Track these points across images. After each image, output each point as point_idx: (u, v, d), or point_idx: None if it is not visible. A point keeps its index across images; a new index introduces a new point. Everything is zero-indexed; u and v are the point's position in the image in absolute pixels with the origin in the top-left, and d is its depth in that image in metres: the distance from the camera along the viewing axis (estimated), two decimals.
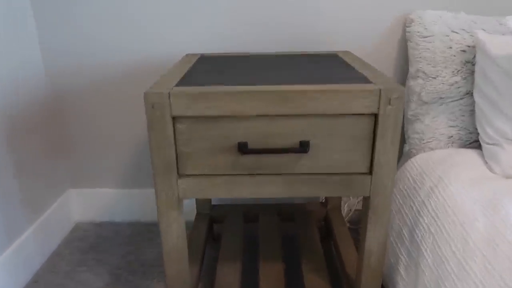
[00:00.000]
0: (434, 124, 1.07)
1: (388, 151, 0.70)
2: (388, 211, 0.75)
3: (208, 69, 0.86)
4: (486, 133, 0.96)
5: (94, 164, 1.31)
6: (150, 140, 0.70)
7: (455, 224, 0.77)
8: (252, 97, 0.67)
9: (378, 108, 0.67)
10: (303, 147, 0.69)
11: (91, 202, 1.35)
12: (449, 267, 0.72)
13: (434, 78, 1.05)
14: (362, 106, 0.67)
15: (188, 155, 0.72)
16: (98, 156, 1.30)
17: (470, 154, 0.99)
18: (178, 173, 0.73)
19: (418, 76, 1.08)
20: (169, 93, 0.67)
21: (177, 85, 0.72)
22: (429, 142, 1.07)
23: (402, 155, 1.15)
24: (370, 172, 0.72)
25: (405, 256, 0.85)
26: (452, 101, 1.06)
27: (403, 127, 1.20)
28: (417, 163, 1.02)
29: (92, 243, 1.25)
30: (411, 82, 1.10)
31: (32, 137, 1.15)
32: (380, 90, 0.66)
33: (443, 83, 1.05)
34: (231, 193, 0.73)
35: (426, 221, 0.84)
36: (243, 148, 0.69)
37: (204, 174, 0.73)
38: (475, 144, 1.05)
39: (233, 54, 1.04)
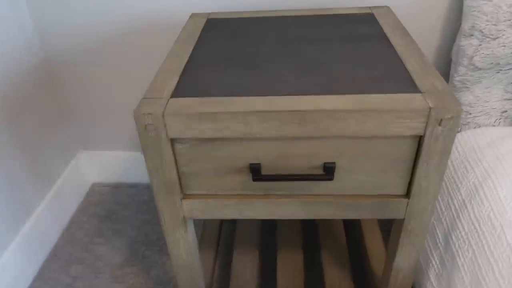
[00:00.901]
0: (486, 96, 0.90)
1: (432, 175, 0.57)
2: (424, 235, 0.65)
3: (213, 52, 0.70)
4: None
5: (104, 127, 1.22)
6: (146, 161, 0.59)
7: (501, 241, 0.67)
8: (263, 118, 0.54)
9: (425, 130, 0.53)
10: (327, 173, 0.57)
11: (105, 163, 1.30)
12: None
13: (494, 39, 0.85)
14: (404, 128, 0.53)
15: (191, 176, 0.62)
16: (107, 119, 1.20)
17: None
18: (182, 192, 0.63)
19: (472, 35, 0.88)
20: (163, 114, 0.54)
21: (174, 93, 0.58)
22: (477, 116, 0.91)
23: None
24: (407, 195, 0.61)
25: (437, 262, 0.77)
26: None
27: None
28: (460, 145, 0.88)
29: (109, 209, 1.23)
30: (462, 41, 0.90)
31: (33, 107, 1.05)
32: (429, 109, 0.52)
33: (504, 46, 0.85)
34: (242, 214, 0.64)
35: (466, 229, 0.73)
36: (255, 173, 0.58)
37: (211, 194, 0.63)
38: None
39: (244, 15, 0.86)
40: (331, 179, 0.56)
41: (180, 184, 0.62)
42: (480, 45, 0.87)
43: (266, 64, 0.65)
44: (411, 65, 0.62)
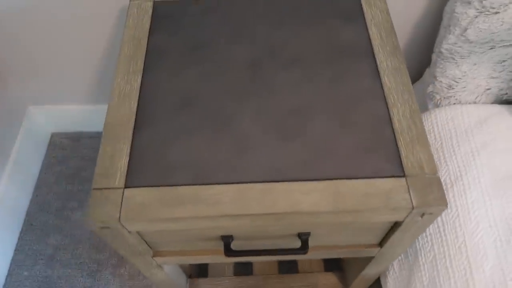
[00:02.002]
0: (473, 73, 0.82)
1: (407, 239, 0.57)
2: (394, 259, 0.68)
3: (167, 90, 0.57)
4: None
5: (51, 82, 1.07)
6: (107, 242, 0.55)
7: (461, 253, 0.71)
8: (235, 219, 0.48)
9: (404, 219, 0.50)
10: (302, 245, 0.55)
11: (60, 116, 1.19)
12: None
13: (495, 13, 0.73)
14: (383, 219, 0.50)
15: (160, 244, 0.59)
16: (52, 74, 1.05)
17: (505, 123, 0.80)
18: (152, 251, 0.61)
19: (469, 3, 0.75)
20: (119, 219, 0.48)
21: (128, 178, 0.50)
22: (459, 92, 0.85)
23: (423, 95, 0.93)
24: (380, 245, 0.61)
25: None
26: (505, 45, 0.77)
27: (430, 56, 0.91)
28: (437, 126, 0.84)
29: (74, 167, 1.18)
30: (457, 8, 0.77)
31: None
32: (412, 208, 0.47)
33: (503, 23, 0.74)
34: (216, 260, 0.64)
35: (431, 230, 0.76)
36: (227, 247, 0.55)
37: (184, 250, 0.62)
38: None
39: None
40: (305, 252, 0.55)
41: (150, 247, 0.60)
42: (477, 17, 0.75)
43: (233, 116, 0.54)
44: (397, 117, 0.54)
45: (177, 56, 0.61)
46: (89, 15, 0.88)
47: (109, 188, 0.50)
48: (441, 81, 0.86)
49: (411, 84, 0.57)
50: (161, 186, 0.50)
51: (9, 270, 1.02)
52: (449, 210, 0.74)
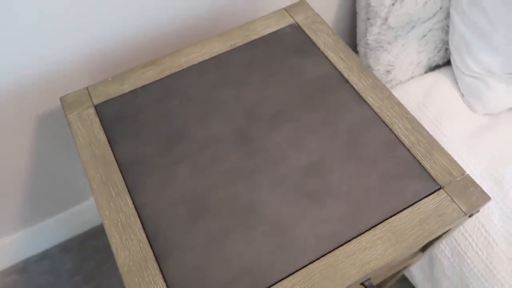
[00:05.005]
0: (403, 54, 0.87)
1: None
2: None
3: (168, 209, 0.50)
4: (466, 65, 0.82)
5: None
6: None
7: None
8: None
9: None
10: None
11: None
12: (476, 270, 0.75)
13: None
14: (439, 233, 0.50)
15: None
16: None
17: (444, 87, 0.87)
18: None
19: None
20: None
21: None
22: (397, 74, 0.90)
23: None
24: (423, 250, 0.62)
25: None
26: (423, 21, 0.83)
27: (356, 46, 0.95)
28: None
29: None
30: (373, 1, 0.81)
31: None
32: (464, 215, 0.48)
33: (417, 3, 0.79)
34: None
35: None
36: None
37: None
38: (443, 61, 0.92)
39: (138, 78, 0.60)
40: None
41: None
42: (393, 4, 0.80)
43: (251, 201, 0.50)
44: (403, 133, 0.54)
45: (156, 159, 0.54)
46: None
47: None
48: (378, 69, 0.90)
49: (394, 96, 0.58)
50: None
51: None
52: None
